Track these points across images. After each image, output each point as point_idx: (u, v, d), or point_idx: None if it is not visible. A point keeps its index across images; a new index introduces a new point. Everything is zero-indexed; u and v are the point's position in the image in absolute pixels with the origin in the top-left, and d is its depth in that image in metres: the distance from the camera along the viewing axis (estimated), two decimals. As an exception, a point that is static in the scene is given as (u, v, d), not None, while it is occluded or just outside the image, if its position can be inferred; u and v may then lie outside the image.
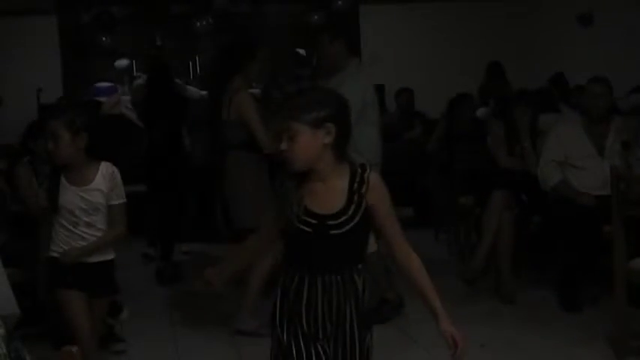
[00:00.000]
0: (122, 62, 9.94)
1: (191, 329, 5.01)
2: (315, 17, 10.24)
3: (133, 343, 4.67)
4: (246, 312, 4.78)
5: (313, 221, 2.40)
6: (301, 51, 9.89)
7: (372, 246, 4.69)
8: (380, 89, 9.43)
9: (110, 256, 3.68)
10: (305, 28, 9.78)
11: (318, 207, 2.40)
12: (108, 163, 3.61)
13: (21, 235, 4.81)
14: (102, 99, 9.17)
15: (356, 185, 2.42)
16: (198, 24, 10.25)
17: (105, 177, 3.56)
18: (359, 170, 2.44)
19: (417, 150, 7.85)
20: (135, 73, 9.71)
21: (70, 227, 3.56)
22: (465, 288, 5.47)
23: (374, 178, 2.44)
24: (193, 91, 7.90)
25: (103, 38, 10.16)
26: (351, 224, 2.40)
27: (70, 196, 3.54)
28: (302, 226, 2.40)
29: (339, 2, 10.38)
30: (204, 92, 8.44)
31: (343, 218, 2.40)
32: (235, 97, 4.76)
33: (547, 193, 5.33)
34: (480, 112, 7.61)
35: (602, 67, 6.67)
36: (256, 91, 6.39)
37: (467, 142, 6.55)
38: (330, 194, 2.41)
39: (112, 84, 9.73)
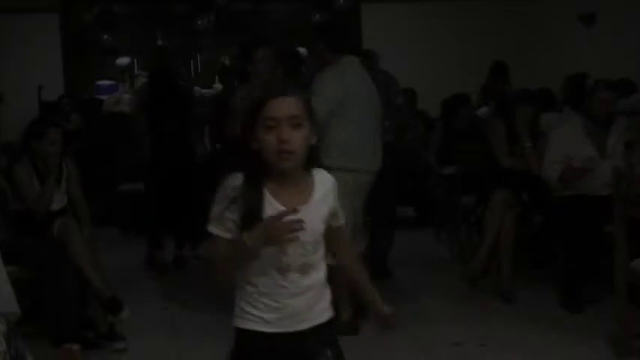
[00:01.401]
0: (123, 60, 9.95)
1: (192, 328, 5.00)
2: (317, 16, 10.24)
3: (134, 341, 4.66)
4: None
5: None
6: (302, 50, 9.89)
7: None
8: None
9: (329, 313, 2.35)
10: (307, 26, 9.78)
11: None
12: (321, 169, 2.36)
13: (21, 233, 4.81)
14: (103, 97, 9.20)
15: None
16: (200, 22, 10.26)
17: (326, 188, 2.32)
18: None
19: (418, 149, 7.85)
20: (136, 71, 9.72)
21: (277, 274, 2.22)
22: (466, 287, 5.47)
23: None
24: (194, 89, 7.90)
25: (105, 36, 10.17)
26: None
27: None
28: None
29: (341, 1, 10.39)
30: (205, 91, 8.45)
31: None
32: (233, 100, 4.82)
33: (548, 193, 5.32)
34: (481, 111, 7.61)
35: (604, 66, 6.68)
36: None
37: (467, 142, 6.55)
38: None
39: (114, 82, 9.74)
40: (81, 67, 10.19)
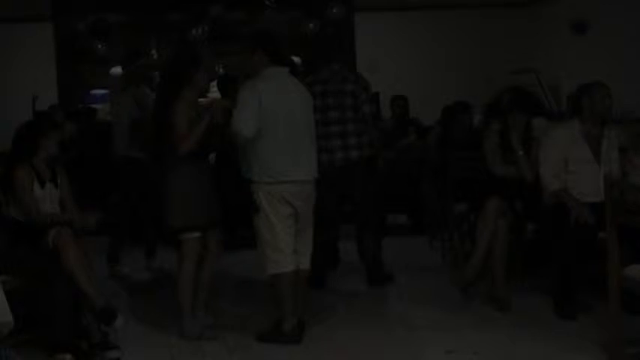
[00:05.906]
0: (117, 69, 9.94)
1: (187, 336, 4.99)
2: (311, 25, 10.26)
3: (128, 350, 4.65)
4: (186, 317, 4.94)
5: None
6: (296, 59, 9.90)
7: (284, 266, 4.73)
8: (374, 97, 9.42)
9: None
10: (300, 36, 9.81)
11: None
12: None
13: (15, 242, 4.79)
14: (97, 106, 9.20)
15: None
16: (194, 32, 10.27)
17: None
18: None
19: (411, 157, 7.86)
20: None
21: None
22: (458, 295, 5.47)
23: None
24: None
25: (99, 46, 10.18)
26: None
27: None
28: None
29: (334, 10, 10.41)
30: (200, 100, 8.44)
31: None
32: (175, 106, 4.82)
33: (541, 201, 5.33)
34: (477, 119, 7.62)
35: (597, 75, 6.68)
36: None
37: (465, 150, 6.54)
38: None
39: (108, 91, 9.74)
40: (75, 77, 10.19)
